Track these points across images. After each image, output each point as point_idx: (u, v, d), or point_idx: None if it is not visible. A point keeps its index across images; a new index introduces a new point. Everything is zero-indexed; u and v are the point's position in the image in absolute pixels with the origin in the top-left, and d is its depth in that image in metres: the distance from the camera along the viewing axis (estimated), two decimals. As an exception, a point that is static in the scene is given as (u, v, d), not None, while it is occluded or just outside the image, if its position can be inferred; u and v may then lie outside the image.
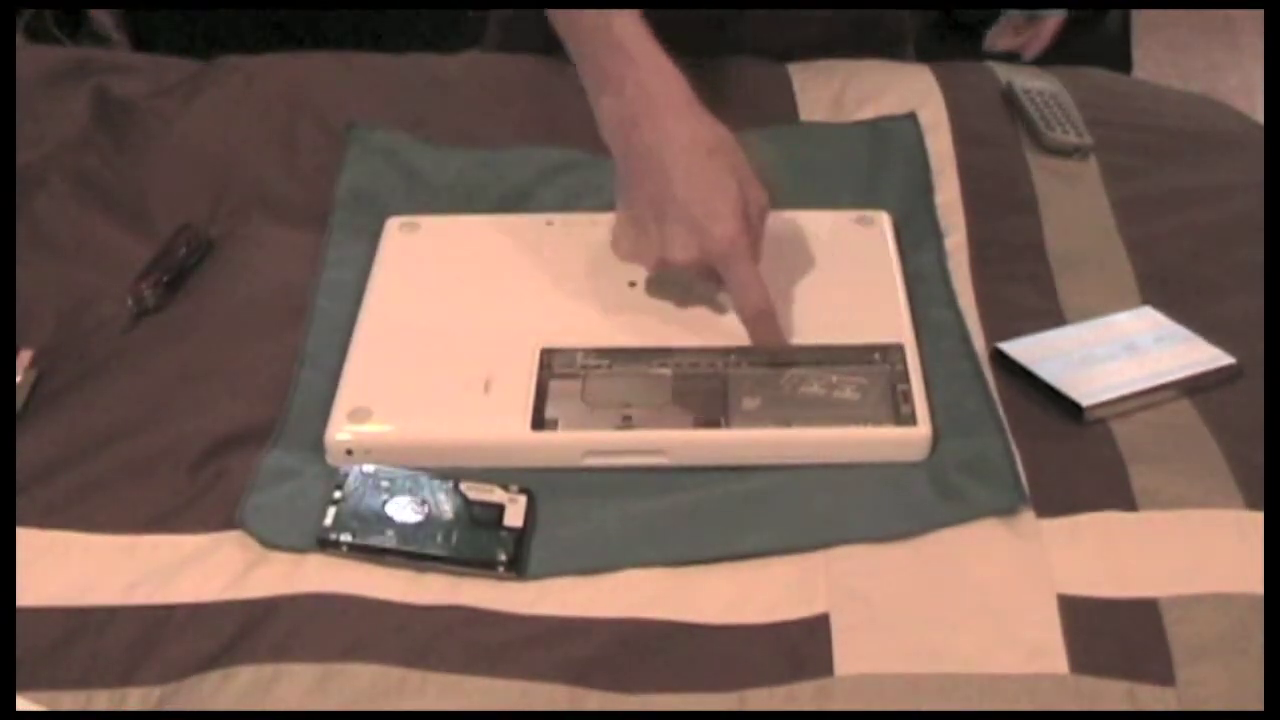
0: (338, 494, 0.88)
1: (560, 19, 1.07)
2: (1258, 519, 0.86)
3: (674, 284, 1.03)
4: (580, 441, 0.92)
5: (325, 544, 0.86)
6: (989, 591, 0.83)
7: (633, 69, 1.01)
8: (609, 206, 1.14)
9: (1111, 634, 0.80)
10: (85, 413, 0.96)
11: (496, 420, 0.93)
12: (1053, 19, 1.40)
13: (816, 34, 1.39)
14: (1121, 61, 2.24)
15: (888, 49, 1.42)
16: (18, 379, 0.97)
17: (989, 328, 1.02)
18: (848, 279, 1.04)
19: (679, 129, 0.98)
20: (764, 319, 0.96)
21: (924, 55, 1.44)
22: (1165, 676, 0.78)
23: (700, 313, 1.01)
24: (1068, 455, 0.92)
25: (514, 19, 1.45)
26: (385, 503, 0.88)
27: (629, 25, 1.02)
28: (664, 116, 0.99)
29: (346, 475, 0.90)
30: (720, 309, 1.01)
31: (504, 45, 1.44)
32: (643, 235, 0.99)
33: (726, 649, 0.80)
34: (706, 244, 0.95)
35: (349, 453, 0.92)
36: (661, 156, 0.98)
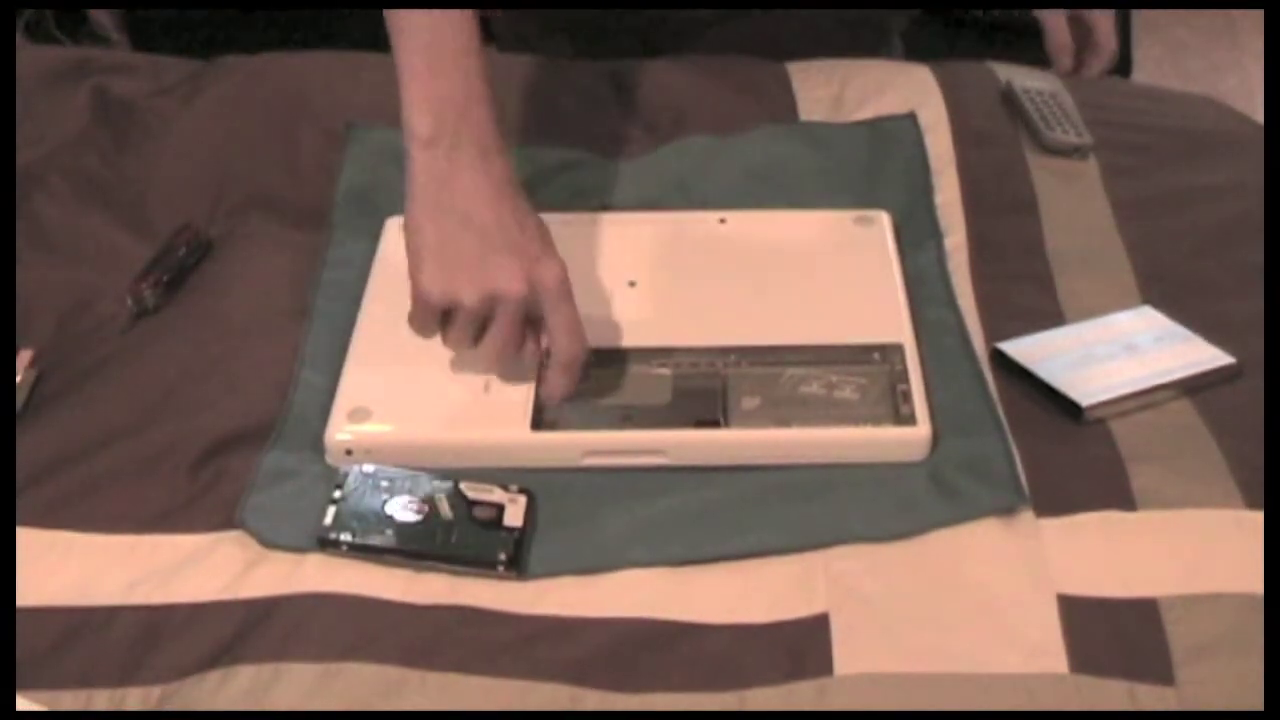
0: (337, 494, 0.88)
1: (390, 16, 0.99)
2: (1257, 519, 0.86)
3: (679, 283, 1.03)
4: (580, 441, 0.92)
5: (325, 544, 0.86)
6: (989, 591, 0.83)
7: (452, 91, 0.95)
8: (609, 206, 1.15)
9: (1111, 634, 0.80)
10: (85, 413, 0.96)
11: (496, 420, 0.93)
12: (1102, 19, 1.38)
13: (799, 26, 1.39)
14: (1121, 62, 2.24)
15: (873, 40, 1.42)
16: (18, 379, 0.97)
17: (989, 328, 1.02)
18: (848, 279, 1.04)
19: (485, 177, 0.95)
20: (574, 368, 0.93)
21: (912, 48, 1.45)
22: (1165, 676, 0.78)
23: (700, 313, 1.01)
24: (1067, 455, 0.92)
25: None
26: (385, 502, 0.88)
27: (462, 33, 0.98)
28: (483, 162, 0.95)
29: (346, 475, 0.90)
30: (720, 309, 1.01)
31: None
32: (462, 272, 0.91)
33: (726, 649, 0.80)
34: (537, 278, 0.91)
35: (349, 452, 0.92)
36: (475, 198, 0.94)
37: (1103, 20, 1.38)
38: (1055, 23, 1.38)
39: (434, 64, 0.96)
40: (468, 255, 0.92)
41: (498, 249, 0.92)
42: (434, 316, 0.93)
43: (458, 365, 0.96)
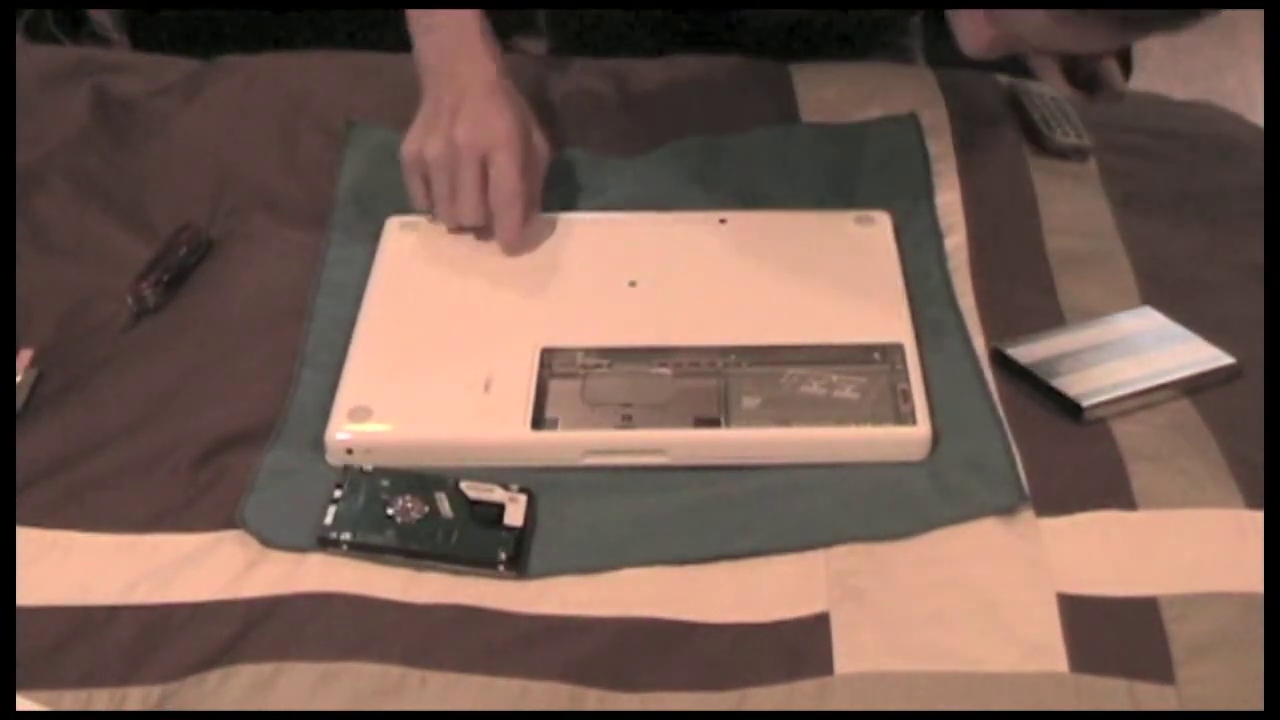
0: (338, 493, 0.88)
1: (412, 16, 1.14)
2: (1257, 518, 0.86)
3: (679, 283, 1.03)
4: (580, 441, 0.92)
5: (325, 543, 0.86)
6: (989, 590, 0.83)
7: (468, 62, 1.10)
8: (609, 206, 1.15)
9: (1111, 632, 0.80)
10: (85, 413, 0.96)
11: (496, 420, 0.93)
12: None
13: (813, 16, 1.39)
14: (1121, 63, 2.23)
15: (889, 35, 1.42)
16: (18, 379, 0.97)
17: (989, 328, 1.02)
18: (848, 279, 1.04)
19: (486, 77, 1.09)
20: (507, 205, 1.04)
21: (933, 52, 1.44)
22: (1165, 675, 0.78)
23: (700, 313, 1.01)
24: (1067, 455, 0.92)
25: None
26: (385, 502, 0.88)
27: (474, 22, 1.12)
28: (478, 60, 1.10)
29: (347, 474, 0.90)
30: (720, 309, 1.01)
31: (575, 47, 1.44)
32: (433, 127, 1.06)
33: (726, 648, 0.80)
34: (488, 128, 1.04)
35: (349, 452, 0.92)
36: (467, 84, 1.08)
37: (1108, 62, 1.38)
38: (1050, 73, 1.38)
39: (456, 49, 1.11)
40: (440, 120, 1.06)
41: (463, 112, 1.05)
42: (416, 177, 1.07)
43: (458, 365, 0.96)
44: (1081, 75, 1.35)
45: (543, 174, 1.09)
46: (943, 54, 1.39)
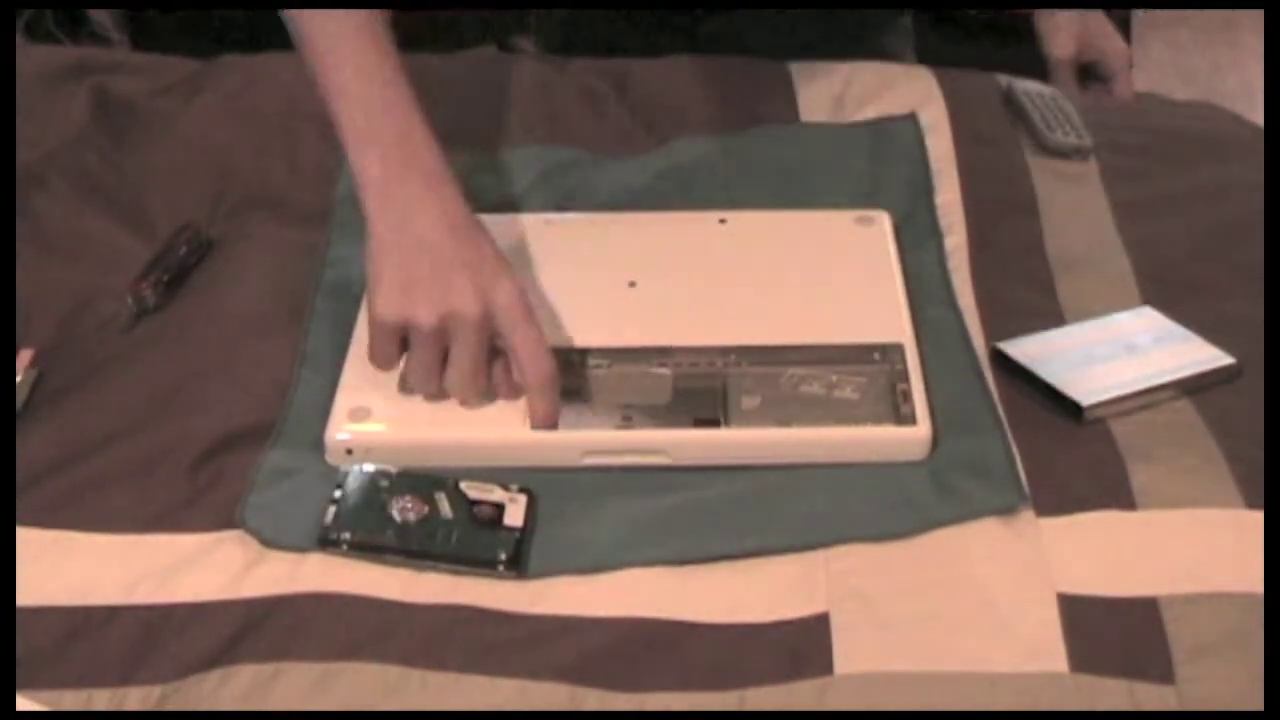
0: (338, 493, 0.88)
1: (317, 55, 1.00)
2: (1257, 518, 0.86)
3: (679, 283, 1.03)
4: (580, 441, 0.92)
5: (325, 543, 0.86)
6: (989, 590, 0.83)
7: (392, 126, 0.97)
8: (609, 206, 1.15)
9: (1111, 633, 0.80)
10: (85, 413, 0.96)
11: (496, 420, 0.93)
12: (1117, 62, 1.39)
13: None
14: (1120, 26, 2.24)
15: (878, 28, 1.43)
16: (18, 379, 0.97)
17: (989, 328, 1.02)
18: (848, 279, 1.04)
19: (437, 206, 0.95)
20: (551, 390, 0.91)
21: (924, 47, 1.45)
22: (1165, 675, 0.78)
23: (700, 313, 1.01)
24: (1067, 454, 0.92)
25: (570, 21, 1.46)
26: (385, 502, 0.88)
27: (393, 79, 0.99)
28: (433, 193, 0.96)
29: (346, 474, 0.90)
30: (720, 309, 1.01)
31: (563, 46, 1.44)
32: (417, 291, 0.91)
33: (726, 648, 0.80)
34: (494, 297, 0.91)
35: (349, 452, 0.92)
36: (429, 226, 0.94)
37: (1121, 74, 1.38)
38: (1064, 74, 1.38)
39: (365, 99, 0.97)
40: (423, 277, 0.91)
41: (453, 270, 0.91)
42: (392, 342, 0.92)
43: (458, 365, 0.96)
44: (1094, 80, 1.36)
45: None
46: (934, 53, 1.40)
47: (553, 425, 0.91)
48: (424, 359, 0.92)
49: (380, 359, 0.94)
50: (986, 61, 1.35)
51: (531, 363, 0.91)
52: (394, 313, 0.91)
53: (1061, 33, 1.39)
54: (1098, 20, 1.40)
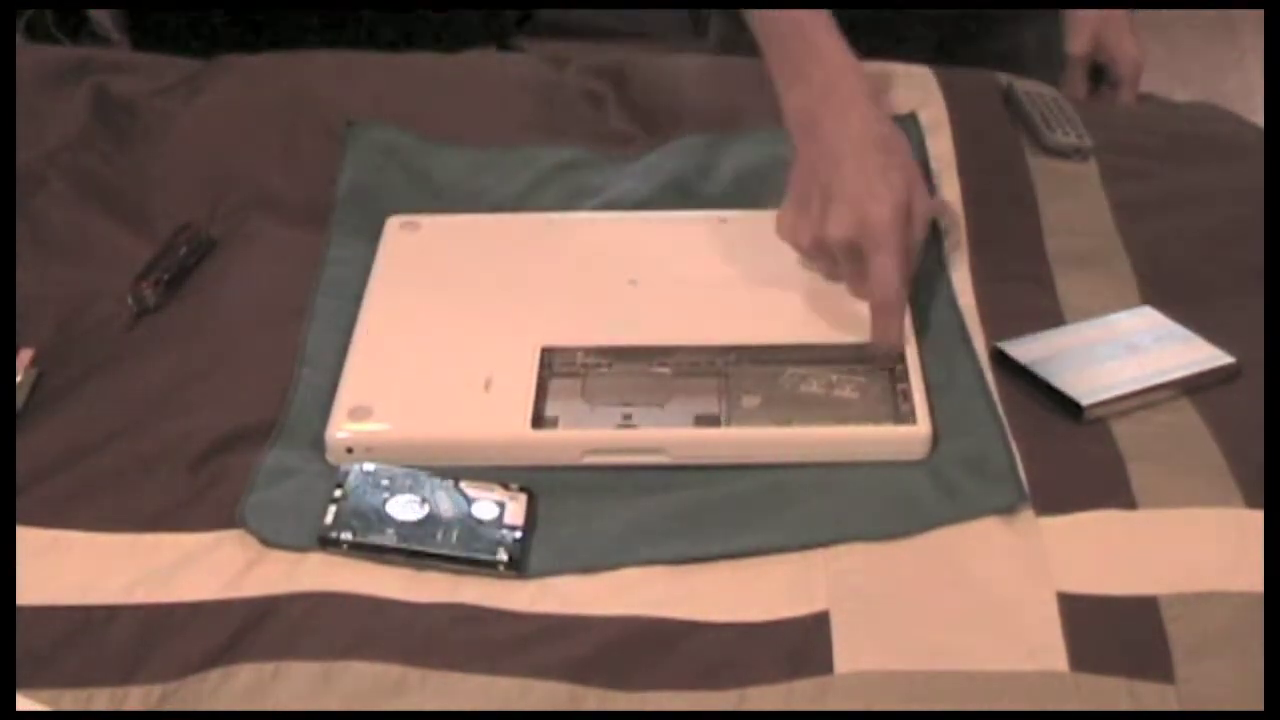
0: (338, 492, 0.88)
1: (756, 19, 1.11)
2: (1257, 518, 0.86)
3: (679, 283, 1.03)
4: (580, 440, 0.92)
5: (326, 542, 0.86)
6: (989, 589, 0.83)
7: (820, 66, 1.06)
8: (609, 206, 1.15)
9: (1111, 632, 0.80)
10: (85, 413, 0.96)
11: (497, 419, 0.93)
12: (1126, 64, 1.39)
13: None
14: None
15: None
16: (18, 379, 0.97)
17: (989, 328, 1.02)
18: (848, 278, 1.04)
19: (857, 124, 1.02)
20: (888, 311, 0.96)
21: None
22: (1165, 674, 0.78)
23: (700, 312, 1.01)
24: (1067, 454, 0.92)
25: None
26: (385, 501, 0.88)
27: (820, 26, 1.08)
28: (846, 111, 1.03)
29: (347, 474, 0.90)
30: (720, 308, 1.01)
31: (727, 44, 1.43)
32: (804, 214, 1.01)
33: (726, 647, 0.80)
34: (863, 224, 0.97)
35: (349, 451, 0.92)
36: (838, 146, 1.01)
37: (1127, 82, 1.38)
38: (1074, 71, 1.38)
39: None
40: (811, 206, 1.00)
41: (838, 203, 0.99)
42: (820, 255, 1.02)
43: (458, 364, 0.97)
44: (1103, 83, 1.36)
45: (924, 237, 1.02)
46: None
47: (891, 347, 0.96)
48: (821, 267, 1.03)
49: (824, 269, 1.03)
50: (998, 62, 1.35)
51: (877, 284, 0.96)
52: (783, 233, 1.03)
53: (1080, 28, 1.39)
54: (1118, 22, 1.39)
